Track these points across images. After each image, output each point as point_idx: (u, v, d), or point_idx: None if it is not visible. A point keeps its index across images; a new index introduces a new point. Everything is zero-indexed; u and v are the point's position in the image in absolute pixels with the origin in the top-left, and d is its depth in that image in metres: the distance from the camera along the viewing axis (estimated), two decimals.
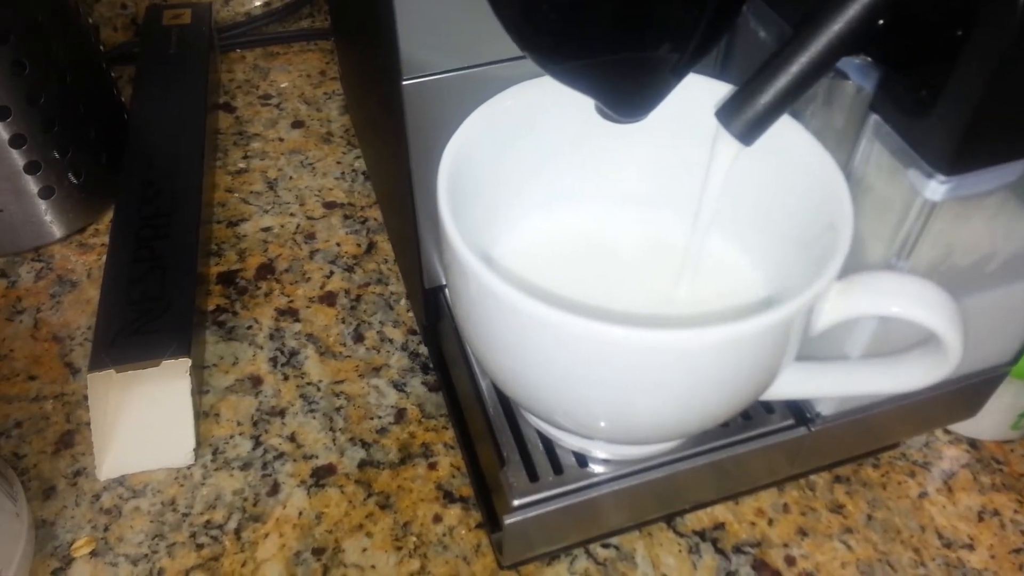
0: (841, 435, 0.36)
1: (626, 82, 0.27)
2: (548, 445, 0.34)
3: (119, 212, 0.51)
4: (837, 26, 0.25)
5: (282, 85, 0.67)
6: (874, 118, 0.27)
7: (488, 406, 0.35)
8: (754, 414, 0.35)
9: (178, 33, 0.64)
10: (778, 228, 0.31)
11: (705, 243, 0.31)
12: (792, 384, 0.29)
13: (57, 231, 0.54)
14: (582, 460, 0.34)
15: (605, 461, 0.33)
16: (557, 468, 0.33)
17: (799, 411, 0.36)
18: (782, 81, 0.26)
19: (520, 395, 0.30)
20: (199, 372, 0.47)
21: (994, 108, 0.23)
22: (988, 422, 0.44)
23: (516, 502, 0.32)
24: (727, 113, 0.27)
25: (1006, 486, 0.44)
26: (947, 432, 0.46)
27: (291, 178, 0.59)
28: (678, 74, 0.27)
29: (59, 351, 0.49)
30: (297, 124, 0.64)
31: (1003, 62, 0.22)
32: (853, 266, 0.27)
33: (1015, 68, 0.22)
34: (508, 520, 0.32)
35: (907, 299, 0.26)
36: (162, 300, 0.46)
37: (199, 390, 0.46)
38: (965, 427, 0.45)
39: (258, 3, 0.71)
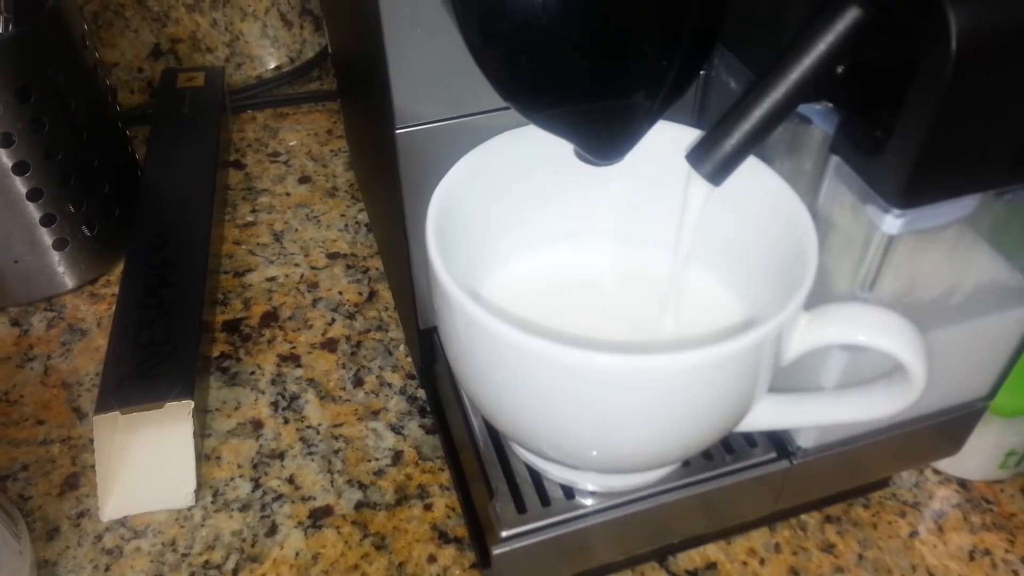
0: (824, 469, 0.37)
1: (601, 128, 0.29)
2: (536, 478, 0.35)
3: (129, 261, 0.53)
4: (796, 74, 0.27)
5: (291, 143, 0.70)
6: (835, 159, 0.29)
7: (479, 442, 0.36)
8: (737, 447, 0.36)
9: (191, 95, 0.67)
10: (753, 261, 0.33)
11: (686, 276, 0.32)
12: (767, 413, 0.31)
13: (69, 281, 0.56)
14: (569, 492, 0.34)
15: (592, 493, 0.34)
16: (545, 500, 0.34)
17: (781, 444, 0.36)
18: (747, 125, 0.28)
19: (507, 425, 0.31)
20: (202, 416, 0.48)
21: (939, 146, 0.25)
22: (975, 462, 0.44)
23: (504, 533, 0.33)
24: (697, 156, 0.28)
25: (997, 525, 0.44)
26: (937, 472, 0.47)
27: (296, 230, 0.61)
28: (650, 120, 0.29)
29: (67, 397, 0.50)
30: (304, 179, 0.66)
31: (942, 104, 0.24)
32: (822, 299, 0.28)
33: (953, 110, 0.24)
34: (496, 551, 0.33)
35: (871, 328, 0.28)
36: (167, 345, 0.48)
37: (201, 433, 0.47)
38: (955, 467, 0.46)
39: (270, 67, 0.75)
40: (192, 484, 0.45)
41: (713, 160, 0.28)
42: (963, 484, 0.46)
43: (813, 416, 0.31)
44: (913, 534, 0.44)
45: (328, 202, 0.64)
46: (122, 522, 0.44)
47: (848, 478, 0.40)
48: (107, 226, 0.57)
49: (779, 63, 0.27)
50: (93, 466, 0.45)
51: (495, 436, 0.37)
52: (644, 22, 0.28)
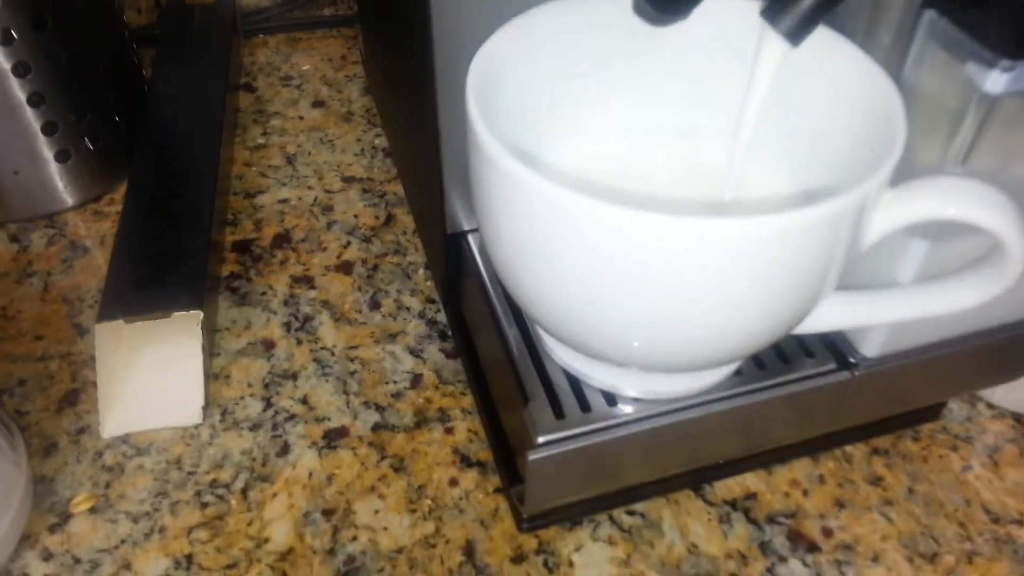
0: (885, 383, 0.34)
1: None
2: (576, 385, 0.32)
3: (135, 173, 0.50)
4: None
5: (304, 68, 0.67)
6: (928, 14, 0.26)
7: (514, 350, 0.34)
8: (792, 356, 0.33)
9: (201, 13, 0.64)
10: (826, 150, 0.30)
11: (746, 163, 0.29)
12: (836, 308, 0.28)
13: (71, 198, 0.54)
14: (611, 399, 0.32)
15: (635, 400, 0.31)
16: (585, 406, 0.31)
17: (841, 355, 0.34)
18: None
19: (548, 309, 0.28)
20: (211, 334, 0.45)
21: None
22: None
23: (541, 439, 0.30)
24: (774, 11, 0.25)
25: None
26: (991, 407, 0.44)
27: (310, 154, 0.58)
28: None
29: (68, 312, 0.47)
30: (317, 104, 0.63)
31: None
32: (909, 177, 0.25)
33: None
34: (532, 457, 0.30)
35: (965, 199, 0.25)
36: (175, 257, 0.45)
37: (210, 352, 0.44)
38: (1011, 401, 0.43)
39: None
40: (200, 401, 0.42)
41: (792, 15, 0.25)
42: (1018, 419, 0.43)
43: (889, 311, 0.28)
44: (966, 468, 0.41)
45: (343, 126, 0.61)
46: (124, 439, 0.41)
47: (908, 397, 0.38)
48: (111, 140, 0.54)
49: None
50: (94, 382, 0.42)
51: (531, 346, 0.34)
52: None
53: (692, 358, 0.28)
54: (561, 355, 0.33)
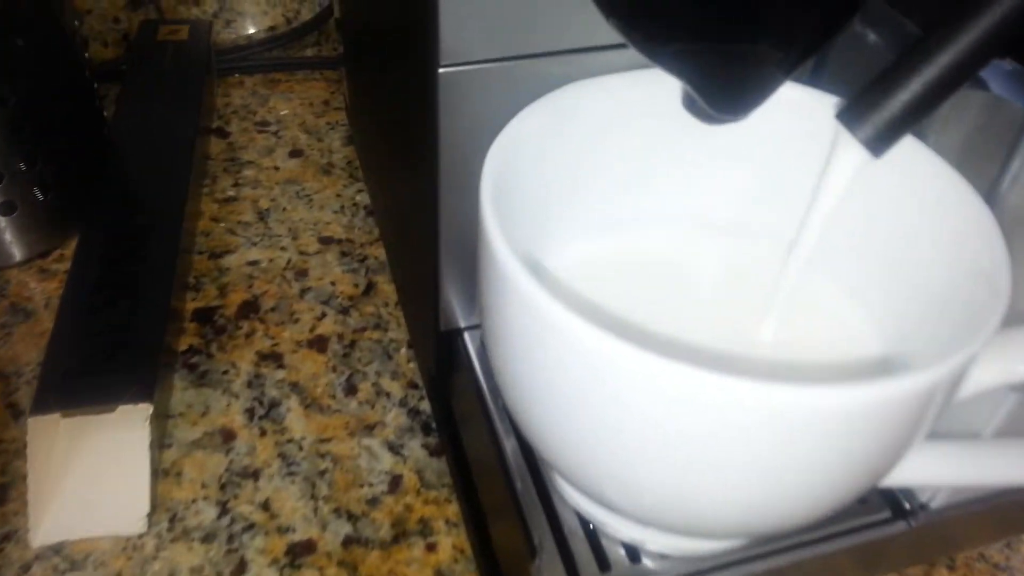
0: (943, 532, 0.30)
1: (731, 74, 0.22)
2: (591, 532, 0.27)
3: (86, 231, 0.45)
4: (995, 17, 0.20)
5: (282, 112, 0.62)
6: None
7: (514, 476, 0.29)
8: None
9: (173, 50, 0.59)
10: (901, 271, 0.25)
11: (802, 277, 0.25)
12: (920, 469, 0.23)
13: (17, 253, 0.48)
14: (634, 554, 0.27)
15: (662, 557, 0.27)
16: (603, 562, 0.26)
17: (897, 502, 0.29)
18: (927, 76, 0.20)
19: (562, 455, 0.23)
20: (162, 422, 0.40)
21: None
22: None
23: None
24: (852, 115, 0.21)
25: None
26: None
27: (284, 209, 0.53)
28: (787, 71, 0.22)
29: (2, 390, 0.42)
30: (295, 153, 0.58)
31: None
32: (1009, 318, 0.21)
33: None
34: None
35: None
36: (126, 331, 0.40)
37: (160, 444, 0.39)
38: None
39: (263, 27, 0.66)
40: (145, 506, 0.36)
41: (875, 122, 0.21)
42: None
43: (989, 473, 0.24)
44: None
45: (322, 180, 0.56)
46: (56, 549, 0.36)
47: (964, 543, 0.33)
48: (64, 191, 0.48)
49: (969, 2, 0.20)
50: (25, 477, 0.36)
51: (534, 469, 0.29)
52: None
53: (735, 528, 0.23)
54: (575, 497, 0.28)
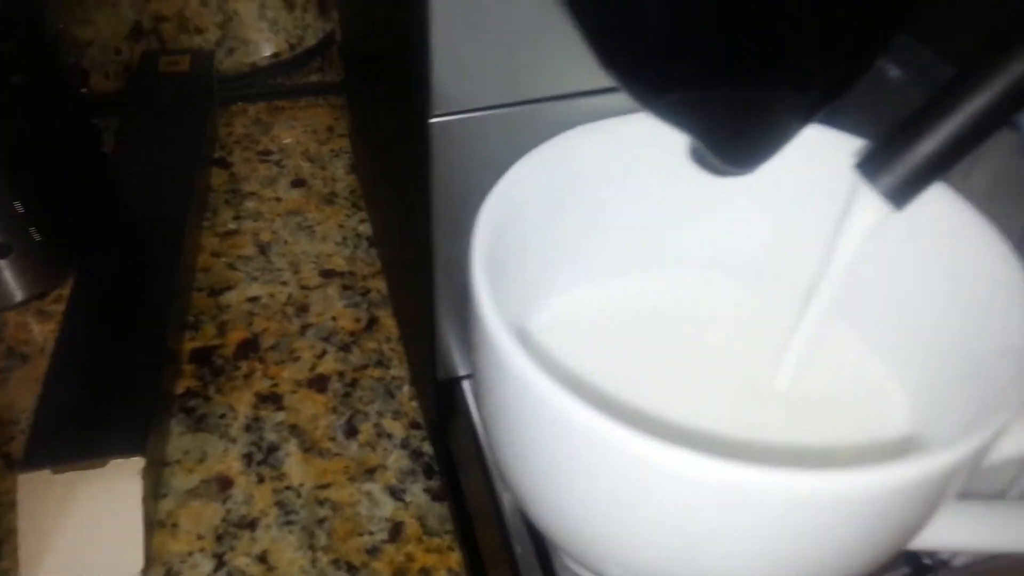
0: None
1: (742, 125, 0.20)
2: None
3: (83, 272, 0.44)
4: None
5: (284, 141, 0.61)
6: None
7: (512, 535, 0.27)
8: None
9: (174, 82, 0.58)
10: (927, 332, 0.24)
11: (823, 328, 0.23)
12: (944, 534, 0.21)
13: (14, 295, 0.47)
14: None
15: None
16: None
17: (916, 558, 0.27)
18: (950, 127, 0.19)
19: (559, 533, 0.22)
20: (157, 471, 0.39)
21: None
22: None
23: None
24: (872, 166, 0.20)
25: None
26: None
27: (286, 242, 0.52)
28: (804, 119, 0.20)
29: None
30: (298, 183, 0.57)
31: None
32: None
33: None
34: None
35: None
36: (121, 377, 0.39)
37: (155, 494, 0.38)
38: None
39: (266, 54, 0.66)
40: (139, 562, 0.35)
41: (897, 173, 0.19)
42: None
43: (1014, 538, 0.22)
44: None
45: (325, 210, 0.55)
46: None
47: None
48: (61, 230, 0.48)
49: (1000, 46, 0.18)
50: (17, 532, 0.36)
51: (540, 545, 0.28)
52: None
53: None
54: (578, 569, 0.26)
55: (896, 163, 0.19)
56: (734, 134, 0.20)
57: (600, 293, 0.27)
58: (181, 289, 0.46)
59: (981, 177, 0.23)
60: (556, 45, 0.22)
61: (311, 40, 0.66)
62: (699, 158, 0.22)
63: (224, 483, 0.39)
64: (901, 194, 0.19)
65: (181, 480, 0.40)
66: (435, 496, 0.39)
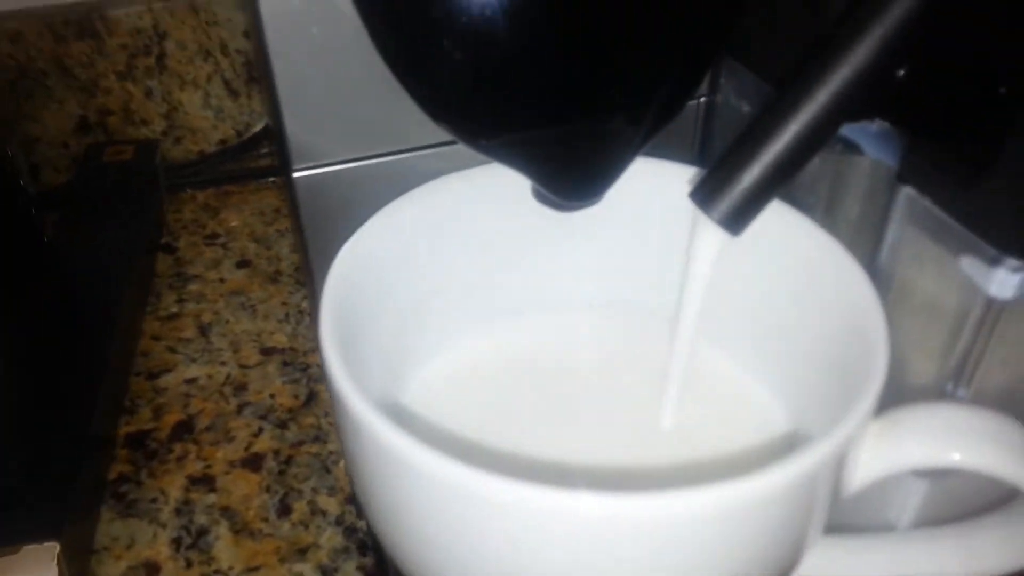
0: None
1: (570, 159, 0.20)
2: None
3: (10, 361, 0.44)
4: (838, 79, 0.19)
5: (232, 224, 0.61)
6: (905, 192, 0.20)
7: None
8: None
9: (117, 170, 0.59)
10: (793, 342, 0.24)
11: (694, 359, 0.23)
12: (823, 566, 0.21)
13: None
14: None
15: None
16: None
17: None
18: (772, 152, 0.19)
19: None
20: (84, 558, 0.38)
21: None
22: None
23: None
24: (705, 194, 0.20)
25: None
26: None
27: (227, 322, 0.52)
28: (633, 148, 0.20)
29: None
30: (243, 264, 0.57)
31: None
32: (897, 396, 0.19)
33: None
34: None
35: (972, 441, 0.18)
36: (41, 463, 0.38)
37: None
38: None
39: (213, 141, 0.67)
40: None
41: (728, 199, 0.19)
42: None
43: (890, 571, 0.21)
44: None
45: (268, 288, 0.55)
46: None
47: None
48: None
49: (813, 64, 0.19)
50: None
51: None
52: (621, 21, 0.19)
53: None
54: None
55: (725, 191, 0.19)
56: (566, 169, 0.20)
57: (474, 348, 0.27)
58: (115, 373, 0.45)
59: (850, 205, 0.23)
60: (399, 102, 0.22)
61: (257, 125, 0.67)
62: (540, 196, 0.22)
63: (152, 569, 0.38)
64: (735, 221, 0.19)
65: (108, 567, 0.38)
66: (368, 574, 0.38)
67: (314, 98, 0.23)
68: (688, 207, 0.21)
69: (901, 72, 0.19)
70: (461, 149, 0.24)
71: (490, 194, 0.25)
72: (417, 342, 0.26)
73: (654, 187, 0.24)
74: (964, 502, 0.22)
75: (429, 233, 0.25)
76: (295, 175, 0.24)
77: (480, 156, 0.25)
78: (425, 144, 0.25)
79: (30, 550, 0.34)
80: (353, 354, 0.20)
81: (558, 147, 0.20)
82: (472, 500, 0.18)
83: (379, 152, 0.24)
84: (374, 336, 0.23)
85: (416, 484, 0.18)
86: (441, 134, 0.24)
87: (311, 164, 0.24)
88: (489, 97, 0.19)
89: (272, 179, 0.65)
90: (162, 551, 0.39)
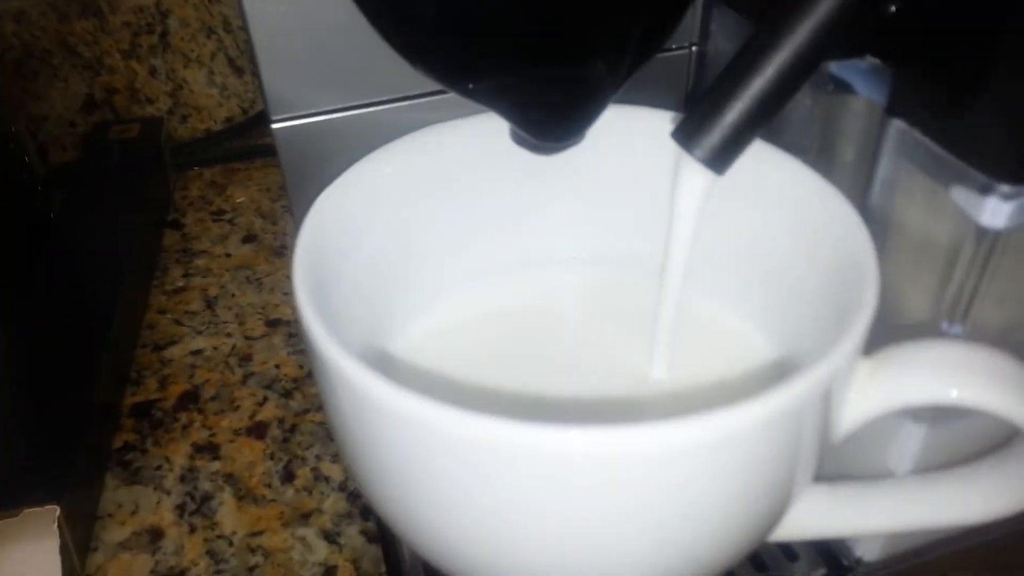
0: None
1: (548, 97, 0.20)
2: None
3: (19, 334, 0.44)
4: (821, 13, 0.18)
5: (238, 200, 0.61)
6: (896, 125, 0.19)
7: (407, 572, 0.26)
8: (771, 563, 0.26)
9: (122, 148, 0.59)
10: (785, 283, 0.23)
11: (681, 301, 0.23)
12: (815, 516, 0.20)
13: None
14: None
15: None
16: None
17: (832, 556, 0.26)
18: (755, 87, 0.19)
19: (425, 541, 0.21)
20: (88, 524, 0.38)
21: None
22: None
23: None
24: (686, 133, 0.19)
25: None
26: None
27: (233, 295, 0.52)
28: (609, 87, 0.20)
29: None
30: (249, 238, 0.57)
31: None
32: (892, 336, 0.19)
33: None
34: None
35: (968, 377, 0.18)
36: (43, 433, 0.38)
37: (86, 547, 0.37)
38: None
39: (219, 119, 0.67)
40: None
41: (710, 137, 0.19)
42: None
43: (885, 519, 0.21)
44: None
45: (274, 262, 0.55)
46: None
47: None
48: (4, 295, 0.48)
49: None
50: None
51: None
52: None
53: None
54: None
55: (708, 130, 0.19)
56: (543, 110, 0.20)
57: (461, 302, 0.27)
58: (119, 345, 0.46)
59: (847, 147, 0.22)
60: (379, 50, 0.22)
61: (262, 103, 0.67)
62: (518, 138, 0.22)
63: (155, 534, 0.38)
64: (719, 159, 0.19)
65: (112, 533, 0.39)
66: (371, 538, 0.38)
67: (291, 49, 0.23)
68: (672, 152, 0.21)
69: (892, 8, 0.19)
70: (441, 100, 0.24)
71: (472, 146, 0.25)
72: (403, 296, 0.26)
73: (638, 135, 0.24)
74: (964, 449, 0.22)
75: (409, 186, 0.25)
76: (274, 126, 0.24)
77: (460, 105, 0.24)
78: (406, 95, 0.24)
79: (30, 513, 0.34)
80: (327, 300, 0.20)
81: (535, 89, 0.19)
82: (457, 440, 0.17)
83: (359, 103, 0.24)
84: (353, 288, 0.22)
85: (394, 429, 0.18)
86: (422, 84, 0.24)
87: (290, 115, 0.24)
88: (464, 40, 0.19)
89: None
90: (166, 517, 0.39)
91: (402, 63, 0.22)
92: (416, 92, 0.24)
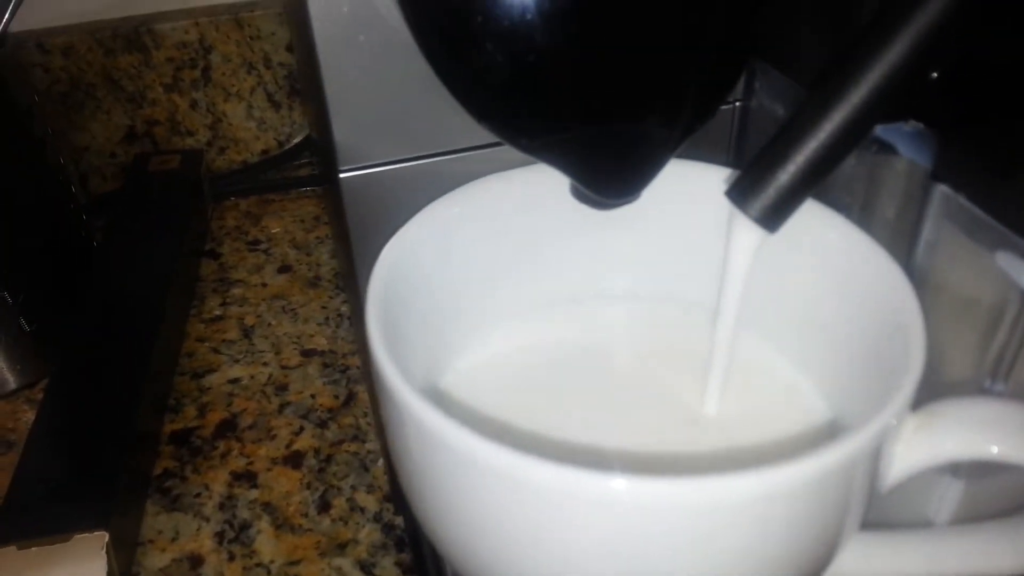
0: None
1: (608, 157, 0.21)
2: None
3: (64, 361, 0.45)
4: (871, 80, 0.19)
5: (273, 231, 0.63)
6: (940, 190, 0.20)
7: None
8: None
9: (163, 179, 0.60)
10: (833, 337, 0.24)
11: (737, 345, 0.23)
12: (860, 562, 0.21)
13: (7, 383, 0.48)
14: None
15: None
16: None
17: None
18: (807, 150, 0.20)
19: (459, 560, 0.22)
20: (130, 550, 0.39)
21: None
22: None
23: None
24: (740, 192, 0.20)
25: None
26: None
27: (270, 324, 0.53)
28: (670, 147, 0.21)
29: None
30: (284, 269, 0.59)
31: None
32: (936, 393, 0.19)
33: None
34: None
35: (1011, 434, 0.18)
36: (90, 458, 0.39)
37: (128, 572, 0.38)
38: None
39: (256, 151, 0.69)
40: None
41: (764, 197, 0.20)
42: None
43: (930, 566, 0.21)
44: None
45: (308, 293, 0.56)
46: None
47: None
48: (51, 320, 0.49)
49: (846, 65, 0.19)
50: None
51: None
52: (657, 24, 0.20)
53: None
54: None
55: (761, 189, 0.20)
56: (605, 167, 0.21)
57: (513, 339, 0.28)
58: (159, 373, 0.47)
59: (887, 207, 0.23)
60: (445, 105, 0.23)
61: (298, 136, 0.69)
62: (579, 194, 0.23)
63: (195, 561, 0.39)
64: (771, 218, 0.20)
65: (153, 559, 0.39)
66: (405, 569, 0.38)
67: (360, 102, 0.24)
68: (723, 205, 0.22)
69: (934, 74, 0.20)
70: (501, 152, 0.25)
71: (528, 193, 0.26)
72: (457, 333, 0.27)
73: (689, 187, 0.25)
74: (1001, 502, 0.22)
75: (469, 229, 0.26)
76: (342, 175, 0.25)
77: (518, 158, 0.25)
78: (466, 147, 0.26)
79: (80, 539, 0.35)
80: (397, 343, 0.21)
81: (597, 146, 0.20)
82: (509, 482, 0.18)
83: (422, 154, 0.25)
84: (417, 327, 0.23)
85: (455, 466, 0.19)
86: (482, 136, 0.25)
87: (357, 166, 0.25)
88: (530, 98, 0.20)
89: (312, 188, 0.67)
90: (205, 544, 0.40)
91: (467, 117, 0.23)
92: (476, 144, 0.25)
